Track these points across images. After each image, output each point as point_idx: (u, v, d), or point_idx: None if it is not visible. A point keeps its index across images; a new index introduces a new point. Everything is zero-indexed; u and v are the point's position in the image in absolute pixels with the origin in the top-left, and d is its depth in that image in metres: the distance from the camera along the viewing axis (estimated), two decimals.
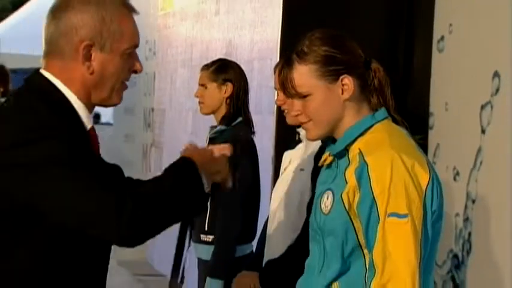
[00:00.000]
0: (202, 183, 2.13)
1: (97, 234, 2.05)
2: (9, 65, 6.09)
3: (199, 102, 4.00)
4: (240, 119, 3.92)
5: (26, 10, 15.64)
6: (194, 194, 2.13)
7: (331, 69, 2.19)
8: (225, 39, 6.58)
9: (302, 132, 3.06)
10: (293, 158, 3.18)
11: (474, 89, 3.77)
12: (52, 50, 2.19)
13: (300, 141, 3.14)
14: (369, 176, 2.09)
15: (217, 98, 3.93)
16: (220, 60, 4.21)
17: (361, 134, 2.19)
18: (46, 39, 2.20)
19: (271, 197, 3.35)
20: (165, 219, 2.10)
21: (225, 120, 3.91)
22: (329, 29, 2.28)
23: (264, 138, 4.81)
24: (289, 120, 3.05)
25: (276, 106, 4.31)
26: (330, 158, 2.25)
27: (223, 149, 2.26)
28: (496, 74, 3.63)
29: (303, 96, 2.20)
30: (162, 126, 8.32)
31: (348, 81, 2.19)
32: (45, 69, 2.20)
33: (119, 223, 1.99)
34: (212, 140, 3.93)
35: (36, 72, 2.22)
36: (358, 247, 2.14)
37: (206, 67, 4.03)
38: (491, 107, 3.66)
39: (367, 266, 2.13)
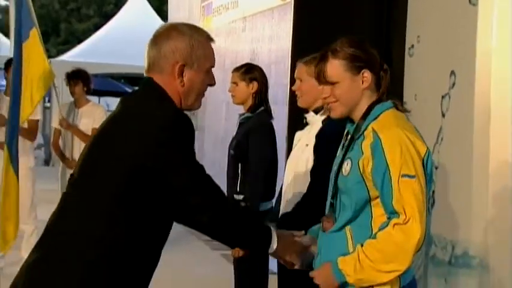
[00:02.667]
0: (268, 245, 2.20)
1: (191, 213, 2.11)
2: (90, 71, 6.08)
3: (232, 96, 3.98)
4: (262, 108, 3.89)
5: (104, 31, 15.67)
6: (257, 244, 2.23)
7: (356, 65, 2.19)
8: (249, 49, 6.56)
9: (308, 117, 3.05)
10: (301, 137, 3.16)
11: (436, 84, 3.74)
12: (154, 68, 2.20)
13: (306, 124, 3.12)
14: (382, 148, 2.10)
15: (245, 93, 3.89)
16: (247, 64, 4.17)
17: (375, 118, 2.19)
18: (150, 59, 2.21)
19: (285, 167, 3.34)
20: (228, 239, 2.24)
21: (251, 109, 3.89)
22: (356, 36, 2.27)
23: (280, 122, 4.80)
24: (300, 103, 3.04)
25: (288, 98, 4.29)
26: (349, 134, 2.27)
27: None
28: (453, 73, 3.60)
29: (332, 83, 2.20)
30: (203, 114, 8.32)
31: (367, 75, 2.19)
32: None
33: (205, 218, 2.10)
34: (241, 125, 3.92)
35: (149, 80, 2.21)
36: (367, 201, 2.15)
37: (237, 69, 3.99)
38: (449, 97, 3.64)
39: (373, 213, 2.15)
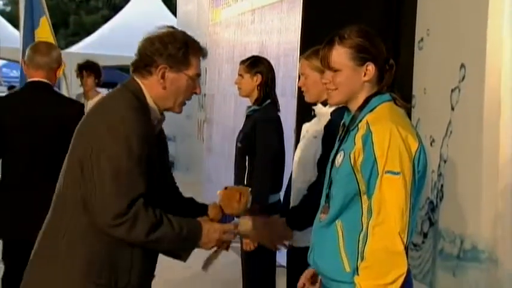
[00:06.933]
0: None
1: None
2: (99, 63, 6.09)
3: (238, 88, 3.97)
4: (268, 100, 3.89)
5: (112, 24, 15.70)
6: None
7: (361, 56, 2.15)
8: (258, 42, 6.54)
9: (316, 109, 3.04)
10: (309, 129, 3.14)
11: (446, 77, 3.72)
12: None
13: (314, 116, 3.11)
14: (372, 141, 2.06)
15: (250, 85, 3.90)
16: (253, 56, 4.16)
17: (371, 110, 2.15)
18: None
19: (293, 159, 3.32)
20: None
21: (257, 101, 3.89)
22: (367, 27, 2.23)
23: (288, 115, 4.79)
24: (307, 98, 3.03)
25: (297, 91, 4.28)
26: (343, 125, 2.24)
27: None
28: (463, 66, 3.58)
29: (334, 70, 2.16)
30: (211, 107, 8.32)
31: (370, 68, 2.15)
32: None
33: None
34: (248, 117, 3.91)
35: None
36: (357, 194, 2.11)
37: (243, 62, 3.99)
38: (459, 90, 3.62)
39: (363, 209, 2.10)
